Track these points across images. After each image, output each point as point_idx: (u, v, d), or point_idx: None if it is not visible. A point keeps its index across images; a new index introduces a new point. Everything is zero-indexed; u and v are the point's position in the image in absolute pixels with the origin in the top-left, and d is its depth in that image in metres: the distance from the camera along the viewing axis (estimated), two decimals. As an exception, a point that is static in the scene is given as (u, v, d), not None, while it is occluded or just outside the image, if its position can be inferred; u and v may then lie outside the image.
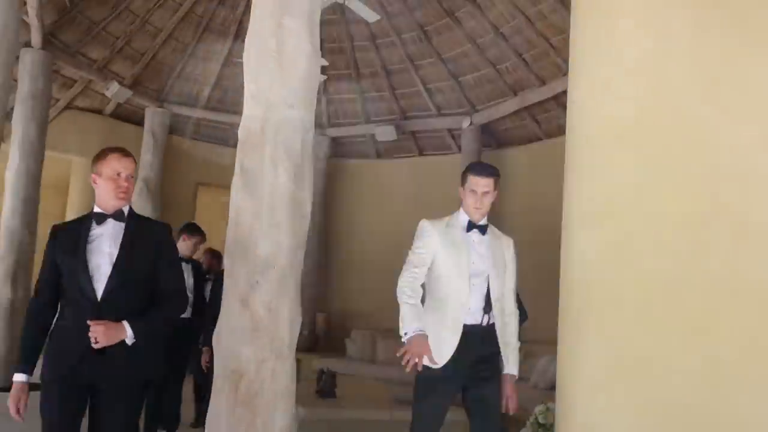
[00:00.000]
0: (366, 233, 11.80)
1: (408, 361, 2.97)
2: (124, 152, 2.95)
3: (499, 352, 3.28)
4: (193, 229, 5.80)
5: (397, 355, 3.06)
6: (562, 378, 3.09)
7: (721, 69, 3.16)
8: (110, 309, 2.76)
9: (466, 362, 3.17)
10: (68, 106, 10.26)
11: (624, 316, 2.90)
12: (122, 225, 2.90)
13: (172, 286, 2.96)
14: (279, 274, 3.00)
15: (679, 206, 2.98)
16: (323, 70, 10.28)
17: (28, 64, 8.41)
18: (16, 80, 8.62)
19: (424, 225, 3.33)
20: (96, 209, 2.92)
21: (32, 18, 7.82)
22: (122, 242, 2.85)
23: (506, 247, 3.43)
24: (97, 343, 2.68)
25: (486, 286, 3.25)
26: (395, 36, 10.81)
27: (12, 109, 8.56)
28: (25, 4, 7.53)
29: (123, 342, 2.74)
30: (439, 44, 10.62)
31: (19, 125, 8.24)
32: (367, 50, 11.19)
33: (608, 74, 3.10)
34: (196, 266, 5.84)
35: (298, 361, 7.94)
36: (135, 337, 2.76)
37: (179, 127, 11.53)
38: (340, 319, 11.65)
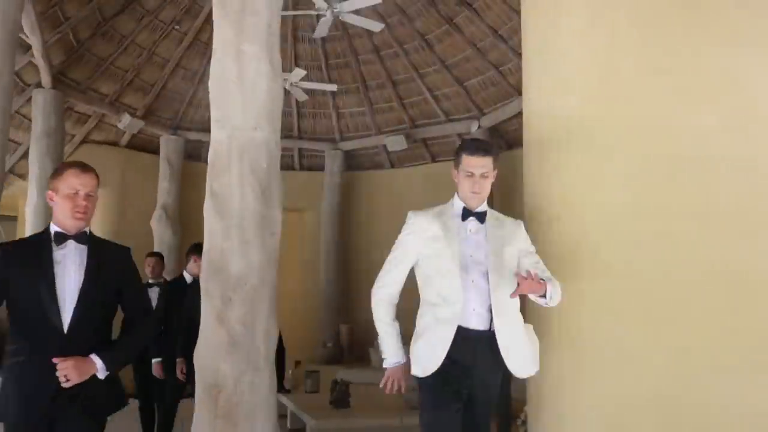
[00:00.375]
0: (384, 242, 11.78)
1: (390, 387, 2.89)
2: (83, 168, 2.69)
3: (505, 367, 2.79)
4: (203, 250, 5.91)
5: (380, 386, 2.96)
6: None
7: (673, 60, 3.21)
8: (76, 341, 2.55)
9: (468, 370, 2.76)
10: (84, 141, 10.58)
11: (586, 310, 2.95)
12: (84, 248, 2.66)
13: (141, 308, 2.82)
14: (252, 290, 3.12)
15: (637, 197, 3.03)
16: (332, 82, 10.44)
17: (40, 103, 8.74)
18: (30, 120, 8.98)
19: (408, 218, 2.96)
20: (55, 228, 2.67)
21: (39, 60, 8.13)
22: (87, 268, 2.63)
23: (514, 231, 2.92)
24: (68, 381, 2.47)
25: (488, 282, 2.77)
26: (398, 46, 10.94)
27: (29, 148, 8.90)
28: (30, 48, 7.85)
29: (94, 375, 2.55)
30: (442, 51, 10.72)
31: (35, 163, 8.56)
32: (372, 63, 11.33)
33: (559, 73, 3.17)
34: None
35: (316, 372, 8.09)
36: (108, 369, 2.59)
37: (195, 152, 11.79)
38: (363, 329, 11.72)
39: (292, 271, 12.89)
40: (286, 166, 12.64)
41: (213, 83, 3.30)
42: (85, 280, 2.61)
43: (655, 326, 2.92)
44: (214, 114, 3.27)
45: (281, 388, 8.55)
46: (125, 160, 11.01)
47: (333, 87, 9.91)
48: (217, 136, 3.23)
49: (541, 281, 2.68)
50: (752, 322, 2.88)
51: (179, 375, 5.37)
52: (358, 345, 11.57)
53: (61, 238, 2.64)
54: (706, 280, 2.95)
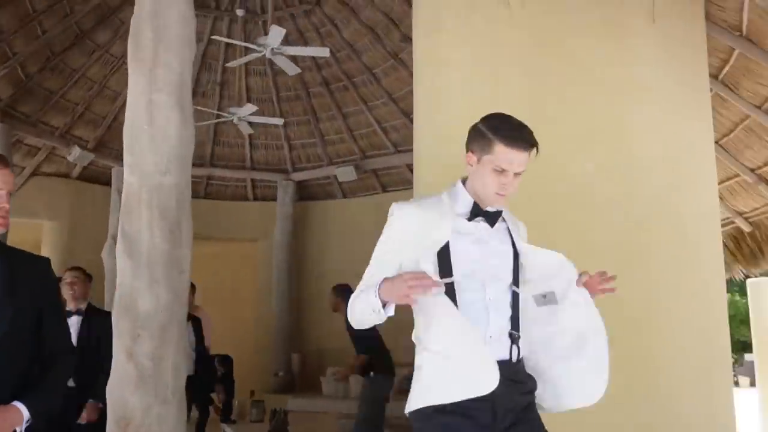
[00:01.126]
0: (336, 272, 12.01)
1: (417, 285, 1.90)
2: (3, 162, 2.14)
3: (534, 400, 2.15)
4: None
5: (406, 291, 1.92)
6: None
7: (556, 108, 3.50)
8: None
9: (494, 419, 2.01)
10: (35, 173, 10.64)
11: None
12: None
13: (62, 344, 2.25)
14: (160, 326, 3.29)
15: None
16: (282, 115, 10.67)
17: (-14, 137, 8.84)
18: (-22, 153, 9.06)
19: (395, 211, 2.17)
20: None
21: (-17, 95, 8.25)
22: (3, 286, 2.06)
23: (522, 236, 2.29)
24: None
25: (509, 300, 2.11)
26: (347, 80, 11.24)
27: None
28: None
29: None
30: (388, 85, 11.04)
31: (-19, 196, 8.59)
32: (322, 95, 11.61)
33: (445, 122, 3.43)
34: (196, 322, 6.08)
35: (261, 401, 8.20)
36: (34, 418, 2.03)
37: (147, 183, 11.89)
38: (315, 357, 11.86)
39: (246, 301, 13.01)
40: (240, 196, 12.83)
41: (126, 130, 3.50)
42: (1, 301, 2.05)
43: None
44: (127, 159, 3.47)
45: (227, 419, 8.64)
46: (76, 191, 11.08)
47: (277, 120, 10.14)
48: (129, 180, 3.43)
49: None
50: (627, 354, 3.13)
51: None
52: (310, 373, 11.68)
53: None
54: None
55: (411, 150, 11.63)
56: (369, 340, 6.37)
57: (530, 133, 2.11)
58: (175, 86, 3.49)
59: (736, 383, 20.75)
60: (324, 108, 11.75)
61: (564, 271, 2.21)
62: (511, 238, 2.21)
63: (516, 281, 2.16)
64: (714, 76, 6.30)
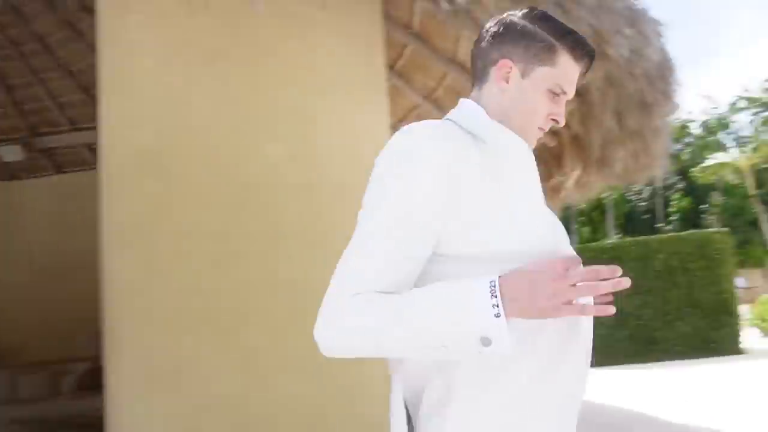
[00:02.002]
0: (3, 263, 10.81)
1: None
2: None
3: None
4: None
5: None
6: (108, 387, 3.24)
7: (246, 96, 3.57)
8: None
9: None
10: None
11: (158, 326, 3.14)
12: None
13: None
14: None
15: (208, 221, 3.31)
16: None
17: None
18: None
19: (412, 140, 1.25)
20: None
21: None
22: None
23: None
24: None
25: None
26: (12, 48, 10.04)
27: None
28: None
29: None
30: (65, 56, 10.12)
31: None
32: (-19, 63, 10.23)
33: (134, 108, 3.31)
34: None
35: None
36: None
37: None
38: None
39: None
40: None
41: None
42: None
43: (224, 335, 3.23)
44: None
45: None
46: None
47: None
48: None
49: None
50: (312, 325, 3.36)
51: None
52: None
53: None
54: (272, 290, 3.36)
55: (91, 128, 10.92)
56: None
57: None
58: None
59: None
60: (-17, 78, 10.37)
61: None
62: None
63: None
64: (390, 68, 6.92)
